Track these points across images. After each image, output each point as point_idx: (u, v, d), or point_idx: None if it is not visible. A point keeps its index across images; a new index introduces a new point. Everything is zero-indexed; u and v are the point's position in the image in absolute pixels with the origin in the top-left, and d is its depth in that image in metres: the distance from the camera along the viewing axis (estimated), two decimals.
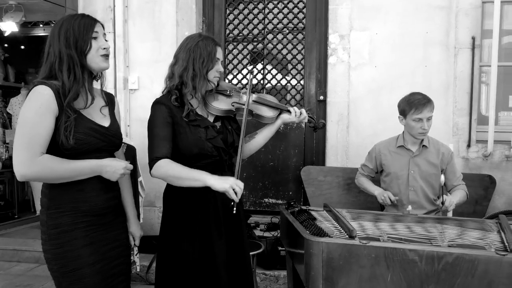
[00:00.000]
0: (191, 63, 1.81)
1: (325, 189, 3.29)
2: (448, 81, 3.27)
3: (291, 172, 3.60)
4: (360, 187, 2.68)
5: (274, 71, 3.73)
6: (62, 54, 1.54)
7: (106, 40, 1.65)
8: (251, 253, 2.70)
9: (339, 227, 2.01)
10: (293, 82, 3.69)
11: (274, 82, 3.73)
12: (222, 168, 1.91)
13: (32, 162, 1.46)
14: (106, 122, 1.68)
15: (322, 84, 3.54)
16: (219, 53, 1.88)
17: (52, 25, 5.64)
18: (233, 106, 1.95)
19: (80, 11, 3.66)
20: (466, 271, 1.63)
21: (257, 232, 3.38)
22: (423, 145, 2.45)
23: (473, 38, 3.23)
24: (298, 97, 3.69)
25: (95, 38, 1.60)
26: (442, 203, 2.20)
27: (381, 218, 2.20)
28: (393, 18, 3.32)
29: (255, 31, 3.73)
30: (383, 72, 3.33)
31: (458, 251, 1.65)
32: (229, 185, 1.67)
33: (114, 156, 1.72)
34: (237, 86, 2.20)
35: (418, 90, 3.02)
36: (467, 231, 1.98)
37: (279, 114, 2.03)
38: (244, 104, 1.93)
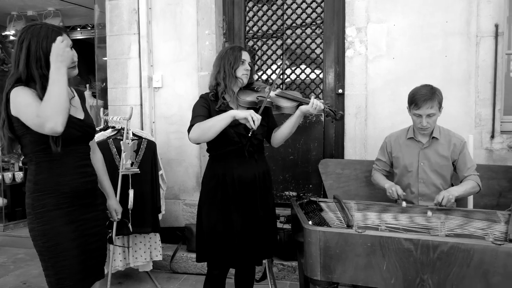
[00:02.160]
0: (222, 67, 2.23)
1: (343, 181, 3.31)
2: (469, 71, 3.19)
3: (311, 165, 3.64)
4: (374, 183, 2.65)
5: (293, 66, 3.77)
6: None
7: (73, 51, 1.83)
8: None
9: (341, 218, 2.05)
10: (312, 76, 3.72)
11: (293, 76, 3.77)
12: (243, 154, 2.22)
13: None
14: (80, 115, 1.87)
15: (341, 77, 3.55)
16: (245, 55, 2.26)
17: (89, 28, 5.97)
18: (257, 99, 2.26)
19: (107, 14, 3.86)
20: (461, 260, 1.64)
21: (277, 224, 3.44)
22: (433, 137, 2.43)
23: (496, 26, 3.12)
24: (317, 91, 3.71)
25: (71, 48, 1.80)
26: (439, 203, 2.14)
27: (388, 209, 2.22)
28: (411, 9, 3.27)
29: (274, 27, 3.78)
30: (400, 64, 3.30)
31: (453, 240, 1.66)
32: (249, 113, 2.02)
33: (89, 148, 1.94)
34: (271, 84, 2.37)
35: (437, 81, 3.01)
36: (471, 221, 1.96)
37: (299, 105, 2.25)
38: (268, 98, 2.22)
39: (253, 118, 2.01)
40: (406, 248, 1.69)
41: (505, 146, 3.15)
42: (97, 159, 2.07)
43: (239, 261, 2.26)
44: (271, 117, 2.40)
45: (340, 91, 3.55)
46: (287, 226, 3.43)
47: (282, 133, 2.30)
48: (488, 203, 3.04)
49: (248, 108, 2.24)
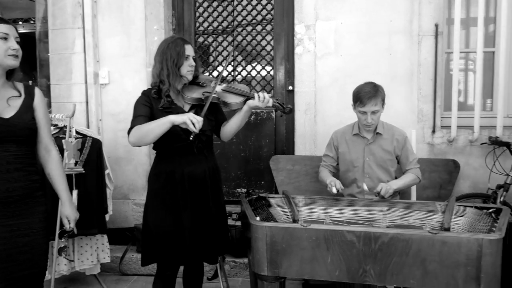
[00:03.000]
0: (165, 63, 2.11)
1: (293, 177, 3.35)
2: (412, 69, 3.32)
3: (263, 161, 3.65)
4: (320, 180, 2.63)
5: (244, 63, 3.76)
6: None
7: (17, 42, 1.77)
8: None
9: (288, 213, 2.07)
10: (263, 73, 3.73)
11: (244, 73, 3.76)
12: (192, 151, 2.16)
13: None
14: (8, 113, 1.75)
15: (291, 74, 3.58)
16: (189, 50, 2.16)
17: (32, 22, 5.66)
18: (203, 95, 2.18)
19: (49, 7, 3.68)
20: (401, 250, 1.70)
21: (229, 222, 3.43)
22: (378, 133, 2.50)
23: (437, 26, 3.27)
24: (268, 87, 3.73)
25: (5, 39, 1.72)
26: (378, 193, 2.23)
27: (335, 203, 2.26)
28: (357, 7, 3.36)
29: (225, 24, 3.75)
30: (348, 61, 3.38)
31: (393, 231, 1.71)
32: (186, 117, 1.96)
33: (24, 146, 1.79)
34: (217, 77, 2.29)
35: (383, 78, 3.11)
36: (411, 213, 2.04)
37: (246, 100, 2.19)
38: (214, 94, 2.15)
39: (192, 121, 1.94)
40: (349, 240, 1.73)
41: (445, 141, 3.31)
42: (51, 160, 1.90)
43: (190, 259, 2.23)
44: (219, 110, 2.32)
45: (290, 88, 3.59)
46: (239, 223, 3.44)
47: (231, 127, 2.25)
48: (430, 195, 3.18)
49: (194, 105, 2.19)
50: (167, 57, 2.09)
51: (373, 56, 3.35)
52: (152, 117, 2.08)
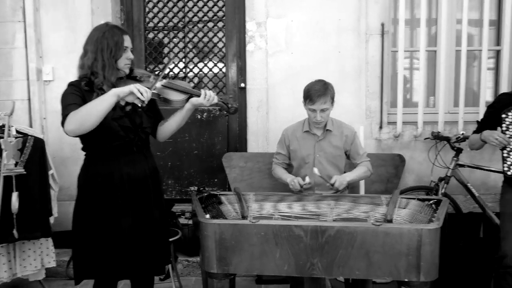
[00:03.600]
0: (100, 54, 1.90)
1: (246, 174, 3.35)
2: (360, 66, 3.42)
3: (216, 159, 3.63)
4: (276, 177, 2.67)
5: (196, 60, 3.72)
6: None
7: None
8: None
9: (238, 209, 2.07)
10: (215, 70, 3.71)
11: (196, 70, 3.72)
12: (131, 150, 2.01)
13: None
14: None
15: (243, 72, 3.58)
16: (127, 41, 1.98)
17: None
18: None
19: None
20: (346, 242, 1.74)
21: (182, 220, 3.40)
22: (327, 129, 2.55)
23: (383, 25, 3.38)
24: (220, 84, 3.71)
25: None
26: (332, 184, 2.28)
27: (285, 198, 2.28)
28: (307, 5, 3.40)
29: (176, 20, 3.69)
30: (299, 58, 3.42)
31: (339, 224, 1.76)
32: (133, 86, 1.83)
33: None
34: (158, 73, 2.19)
35: (332, 75, 3.17)
36: (357, 206, 2.10)
37: (189, 98, 2.05)
38: (151, 88, 1.97)
39: (139, 90, 1.81)
40: (297, 234, 1.76)
41: (391, 136, 3.44)
42: None
43: (134, 273, 2.01)
44: (156, 108, 2.17)
45: (243, 85, 3.59)
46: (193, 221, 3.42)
47: (170, 126, 2.11)
48: (378, 188, 3.29)
49: (130, 102, 1.98)
50: (103, 47, 1.89)
51: (323, 53, 3.42)
52: None
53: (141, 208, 2.01)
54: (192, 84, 3.69)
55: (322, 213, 1.98)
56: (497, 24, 3.58)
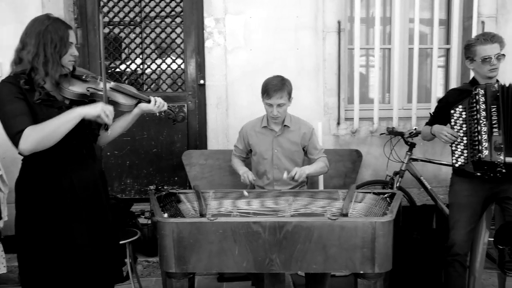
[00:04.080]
0: (42, 49, 1.73)
1: (207, 172, 3.33)
2: (318, 63, 3.47)
3: (176, 157, 3.58)
4: (233, 167, 2.76)
5: (153, 56, 3.65)
6: None
7: None
8: (126, 241, 2.69)
9: (197, 207, 2.05)
10: (174, 66, 3.65)
11: (154, 67, 3.65)
12: (80, 153, 1.88)
13: None
14: None
15: (202, 68, 3.55)
16: (72, 37, 1.83)
17: None
18: (88, 91, 1.89)
19: None
20: (304, 237, 1.76)
21: (142, 220, 3.33)
22: (285, 125, 2.58)
23: (339, 22, 3.44)
24: (179, 81, 3.66)
25: None
26: (292, 177, 2.31)
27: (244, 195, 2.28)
28: (266, 2, 3.41)
29: (132, 15, 3.60)
30: (258, 55, 3.43)
31: (296, 219, 1.78)
32: (100, 108, 1.74)
33: None
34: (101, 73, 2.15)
35: (291, 72, 3.18)
36: (315, 201, 2.13)
37: (138, 103, 2.01)
38: (99, 90, 1.89)
39: (107, 115, 1.73)
40: (255, 231, 1.76)
41: (348, 132, 3.52)
42: None
43: (91, 283, 1.88)
44: None
45: (202, 81, 3.56)
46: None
47: (114, 131, 2.01)
48: (336, 183, 3.36)
49: (74, 101, 1.87)
50: (46, 41, 1.73)
51: (282, 50, 3.44)
52: (33, 114, 1.70)
53: (95, 214, 1.90)
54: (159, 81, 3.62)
55: (280, 209, 2.00)
56: (447, 23, 3.74)
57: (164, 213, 1.95)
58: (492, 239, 2.55)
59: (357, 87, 3.44)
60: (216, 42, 3.41)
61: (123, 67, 3.65)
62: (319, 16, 3.44)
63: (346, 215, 1.81)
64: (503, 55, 2.24)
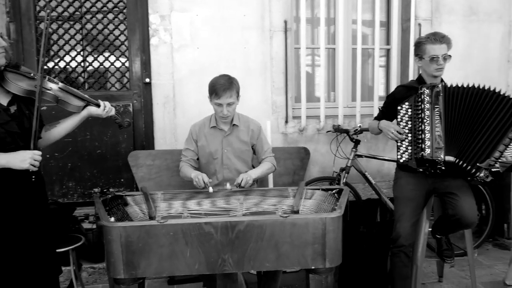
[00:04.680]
0: None
1: (154, 173, 3.25)
2: (265, 62, 3.49)
3: (122, 158, 3.45)
4: (182, 176, 2.59)
5: (96, 53, 3.49)
6: None
7: None
8: (69, 248, 2.57)
9: (145, 210, 1.99)
10: (118, 64, 3.52)
11: (96, 64, 3.49)
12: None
13: None
14: None
15: (147, 66, 3.45)
16: None
17: None
18: (36, 88, 1.86)
19: None
20: (256, 236, 1.76)
21: (86, 225, 3.18)
22: (234, 124, 2.56)
23: (285, 22, 3.49)
24: (124, 80, 3.53)
25: None
26: (239, 185, 2.29)
27: (194, 196, 2.24)
28: (212, 0, 3.38)
29: (71, 9, 3.42)
30: (205, 54, 3.39)
31: (248, 218, 1.77)
32: (28, 163, 1.72)
33: None
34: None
35: (238, 71, 3.18)
36: (266, 199, 2.14)
37: (86, 106, 2.05)
38: (48, 89, 1.93)
39: (34, 164, 1.74)
40: (207, 232, 1.74)
41: (296, 130, 3.57)
42: None
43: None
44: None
45: (147, 80, 3.45)
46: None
47: (58, 132, 2.01)
48: (285, 181, 3.40)
49: (16, 98, 1.85)
50: None
51: (229, 49, 3.43)
52: None
53: (36, 216, 1.85)
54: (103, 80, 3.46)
55: (232, 208, 1.98)
56: (387, 25, 3.91)
57: (111, 217, 1.87)
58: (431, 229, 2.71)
59: (304, 86, 3.50)
60: (162, 39, 3.33)
61: (62, 64, 3.46)
62: (266, 16, 3.46)
63: (297, 212, 1.84)
64: (450, 56, 2.35)
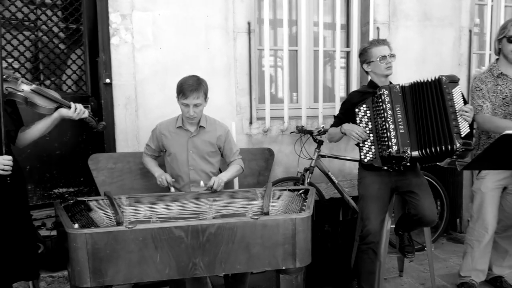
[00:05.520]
0: None
1: (116, 176, 3.15)
2: (229, 63, 3.48)
3: (81, 159, 3.33)
4: (145, 166, 2.69)
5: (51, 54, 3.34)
6: None
7: None
8: None
9: (112, 215, 1.93)
10: (76, 64, 3.38)
11: (53, 66, 3.34)
12: None
13: None
14: None
15: (108, 66, 3.33)
16: None
17: None
18: (6, 90, 1.96)
19: None
20: (227, 238, 1.76)
21: (43, 232, 3.04)
22: (201, 126, 2.55)
23: (249, 23, 3.49)
24: (82, 81, 3.40)
25: None
26: (211, 187, 2.28)
27: (161, 199, 2.21)
28: (174, 0, 3.33)
29: (26, 10, 3.25)
30: (168, 54, 3.33)
31: (219, 221, 1.76)
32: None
33: None
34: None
35: (203, 72, 3.12)
36: (235, 201, 2.14)
37: (58, 108, 2.10)
38: (20, 91, 1.99)
39: (5, 169, 1.83)
40: (178, 236, 1.71)
41: (261, 131, 3.59)
42: None
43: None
44: (19, 113, 2.11)
45: (108, 80, 3.34)
46: (56, 232, 3.08)
47: (33, 133, 2.10)
48: (250, 182, 3.41)
49: None
50: None
51: (193, 50, 3.39)
52: None
53: (11, 211, 1.91)
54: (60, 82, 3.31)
55: (201, 211, 1.97)
56: (347, 27, 4.01)
57: (75, 223, 1.80)
58: (394, 226, 2.81)
59: (267, 87, 3.53)
60: (123, 39, 3.23)
61: (16, 65, 3.28)
62: (230, 17, 3.45)
63: (267, 213, 1.85)
64: (393, 55, 2.50)
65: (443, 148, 2.24)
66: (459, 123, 2.23)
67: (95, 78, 3.37)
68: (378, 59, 2.46)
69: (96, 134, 3.35)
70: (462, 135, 2.22)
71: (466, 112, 2.24)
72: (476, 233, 2.72)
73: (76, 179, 3.38)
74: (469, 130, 2.26)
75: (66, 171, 3.35)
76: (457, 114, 2.24)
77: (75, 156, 3.35)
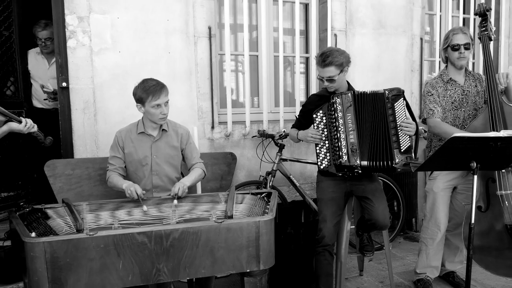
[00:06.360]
0: None
1: (74, 182, 3.05)
2: (190, 68, 3.47)
3: (38, 167, 3.20)
4: (111, 186, 2.46)
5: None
6: None
7: None
8: None
9: (71, 223, 1.88)
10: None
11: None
12: None
13: None
14: None
15: (64, 70, 3.23)
16: None
17: None
18: None
19: None
20: (191, 243, 1.76)
21: None
22: (163, 129, 2.53)
23: (210, 28, 3.50)
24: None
25: None
26: (176, 194, 2.25)
27: (122, 205, 2.17)
28: (133, 3, 3.28)
29: None
30: (127, 58, 3.28)
31: (183, 226, 1.76)
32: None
33: None
34: None
35: (163, 76, 3.12)
36: (198, 205, 2.13)
37: (7, 121, 2.12)
38: None
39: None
40: (141, 242, 1.69)
41: (223, 135, 3.60)
42: None
43: None
44: None
45: (64, 84, 3.24)
46: (9, 242, 2.94)
47: None
48: (213, 186, 3.41)
49: None
50: None
51: (153, 54, 3.35)
52: None
53: None
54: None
55: (164, 216, 1.95)
56: (306, 34, 4.10)
57: (31, 232, 1.74)
58: (353, 226, 2.90)
59: (229, 92, 3.55)
60: (80, 42, 3.15)
61: None
62: (190, 22, 3.44)
63: (231, 217, 1.86)
64: (332, 77, 2.45)
65: (385, 164, 2.36)
66: (400, 138, 2.34)
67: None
68: (320, 78, 2.50)
69: (34, 139, 3.24)
70: (402, 150, 2.32)
71: (406, 127, 2.33)
72: (430, 231, 2.85)
73: (14, 183, 3.26)
74: (409, 143, 2.35)
75: (21, 180, 3.22)
76: (398, 128, 2.35)
77: (30, 164, 3.23)
